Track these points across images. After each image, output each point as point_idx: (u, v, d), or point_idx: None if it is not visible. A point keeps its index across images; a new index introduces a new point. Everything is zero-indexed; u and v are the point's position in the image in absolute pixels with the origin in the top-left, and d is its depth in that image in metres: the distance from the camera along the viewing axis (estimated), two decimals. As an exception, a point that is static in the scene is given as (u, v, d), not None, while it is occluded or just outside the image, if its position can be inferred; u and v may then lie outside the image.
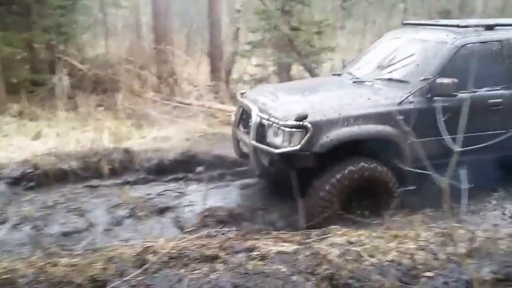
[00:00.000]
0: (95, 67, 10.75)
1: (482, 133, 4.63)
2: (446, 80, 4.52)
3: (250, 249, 3.05)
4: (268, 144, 4.49)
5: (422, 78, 4.67)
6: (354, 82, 5.27)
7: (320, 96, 5.10)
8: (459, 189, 2.74)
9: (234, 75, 11.85)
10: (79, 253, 2.97)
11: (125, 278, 2.58)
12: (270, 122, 4.50)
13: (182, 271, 2.74)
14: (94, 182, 5.66)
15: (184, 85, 11.09)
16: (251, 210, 4.87)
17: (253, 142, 4.59)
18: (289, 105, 4.67)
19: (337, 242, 3.24)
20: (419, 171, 4.36)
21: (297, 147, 4.26)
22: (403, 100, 4.58)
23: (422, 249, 3.06)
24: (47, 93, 9.54)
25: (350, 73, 5.56)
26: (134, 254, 2.87)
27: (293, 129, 4.32)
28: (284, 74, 10.98)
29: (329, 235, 3.43)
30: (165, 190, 5.45)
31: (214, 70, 11.53)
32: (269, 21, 10.51)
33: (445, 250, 2.96)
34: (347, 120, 4.43)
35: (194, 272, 2.74)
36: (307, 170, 4.38)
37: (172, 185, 5.65)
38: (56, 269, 2.68)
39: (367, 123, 4.48)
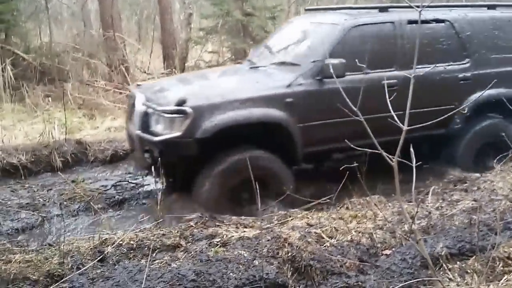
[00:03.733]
0: (40, 57, 10.30)
1: (379, 115, 4.57)
2: (333, 61, 4.28)
3: (212, 236, 3.03)
4: (151, 133, 4.21)
5: (312, 60, 4.56)
6: (250, 68, 5.17)
7: (210, 82, 5.04)
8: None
9: (190, 63, 11.68)
10: (34, 249, 2.85)
11: (82, 270, 2.50)
12: (152, 110, 4.26)
13: (143, 261, 2.69)
14: (46, 175, 5.45)
15: (137, 73, 10.84)
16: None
17: (138, 132, 4.28)
18: (173, 92, 4.49)
19: (297, 225, 3.28)
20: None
21: (178, 134, 4.03)
22: (291, 83, 4.43)
23: (380, 228, 3.14)
24: None
25: (249, 60, 5.52)
26: (92, 247, 2.79)
27: (173, 115, 4.09)
28: (241, 60, 10.91)
29: (289, 218, 3.47)
30: (120, 181, 5.33)
31: (167, 58, 11.31)
32: (222, 7, 10.41)
33: (402, 228, 3.05)
34: (232, 104, 4.20)
35: (154, 262, 2.70)
36: (198, 160, 4.16)
37: (128, 176, 5.53)
38: (9, 265, 2.56)
39: (254, 107, 4.27)
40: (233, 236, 3.04)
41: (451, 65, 5.08)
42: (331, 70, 4.13)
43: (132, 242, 2.84)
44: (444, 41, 5.13)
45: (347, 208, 3.69)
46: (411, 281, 2.63)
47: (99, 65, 10.48)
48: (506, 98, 4.80)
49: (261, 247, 2.87)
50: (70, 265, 2.60)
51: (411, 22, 4.94)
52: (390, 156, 2.63)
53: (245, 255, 2.78)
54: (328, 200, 3.72)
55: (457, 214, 3.34)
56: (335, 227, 3.16)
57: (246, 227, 3.29)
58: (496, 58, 5.29)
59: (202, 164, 4.17)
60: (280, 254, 2.81)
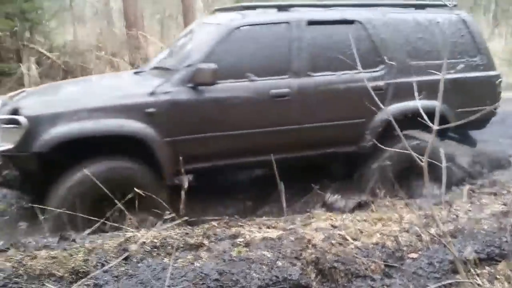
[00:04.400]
0: (63, 55, 10.45)
1: (265, 130, 4.10)
2: (203, 66, 3.86)
3: (235, 236, 3.01)
4: None
5: (186, 64, 4.02)
6: (135, 73, 4.79)
7: (74, 89, 4.57)
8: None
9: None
10: (59, 245, 2.87)
11: (107, 268, 2.50)
12: None
13: (166, 260, 2.68)
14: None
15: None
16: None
17: None
18: (27, 99, 4.07)
19: (321, 227, 3.24)
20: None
21: (10, 147, 3.56)
22: (155, 90, 3.86)
23: (406, 231, 3.08)
24: (15, 82, 9.22)
25: (146, 64, 5.27)
26: (116, 244, 2.80)
27: (6, 125, 3.61)
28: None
29: (312, 220, 3.43)
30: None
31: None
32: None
33: (429, 231, 2.98)
34: (77, 114, 3.64)
35: (178, 260, 2.69)
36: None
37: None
38: (35, 261, 2.59)
39: (105, 117, 3.70)
40: (256, 236, 3.02)
41: (360, 72, 4.22)
42: (202, 76, 3.79)
43: (155, 240, 2.84)
44: (354, 44, 4.49)
45: (372, 210, 3.63)
46: (439, 284, 2.58)
47: (122, 63, 10.62)
48: (427, 112, 4.62)
49: (284, 248, 2.84)
50: (94, 262, 2.60)
51: (312, 22, 4.34)
52: (420, 157, 2.56)
53: (268, 255, 2.75)
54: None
55: (486, 218, 3.26)
56: (359, 229, 3.11)
57: (269, 228, 3.26)
58: (418, 65, 4.59)
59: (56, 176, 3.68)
60: (303, 256, 2.78)
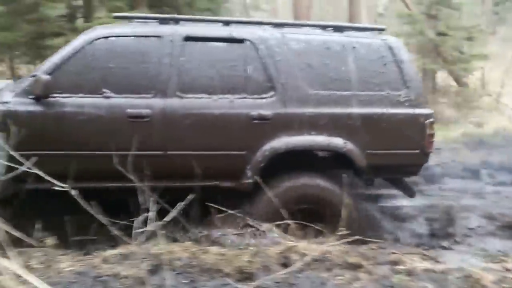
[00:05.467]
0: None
1: (120, 153, 3.34)
2: (39, 77, 3.53)
3: (395, 262, 2.93)
4: None
5: (33, 74, 3.71)
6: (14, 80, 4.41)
7: None
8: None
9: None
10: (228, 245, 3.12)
11: (272, 276, 2.64)
12: None
13: (325, 275, 2.72)
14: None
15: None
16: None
17: None
18: None
19: (491, 267, 2.98)
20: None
21: None
22: None
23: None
24: None
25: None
26: (278, 251, 2.93)
27: None
28: (428, 81, 10.44)
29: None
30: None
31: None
32: (414, 26, 10.09)
33: None
34: None
35: (336, 277, 2.71)
36: None
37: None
38: (206, 256, 2.85)
39: None
40: (418, 266, 2.90)
41: (244, 98, 3.84)
42: (35, 87, 3.46)
43: (316, 253, 2.91)
44: (239, 66, 3.88)
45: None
46: None
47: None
48: (324, 150, 3.89)
49: (449, 284, 2.68)
50: (258, 265, 2.77)
51: (190, 38, 3.87)
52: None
53: (432, 289, 2.63)
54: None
55: None
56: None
57: (431, 259, 3.11)
58: (320, 95, 3.92)
59: None
60: (471, 296, 2.59)
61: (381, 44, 4.14)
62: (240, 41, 3.93)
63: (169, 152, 3.73)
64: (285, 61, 3.93)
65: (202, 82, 3.83)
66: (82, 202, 2.66)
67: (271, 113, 3.83)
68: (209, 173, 3.69)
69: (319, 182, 3.90)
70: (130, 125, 3.68)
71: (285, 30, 4.12)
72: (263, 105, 3.84)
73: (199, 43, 3.89)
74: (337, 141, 3.88)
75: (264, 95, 3.88)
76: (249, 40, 3.93)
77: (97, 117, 3.64)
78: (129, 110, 3.70)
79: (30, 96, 3.63)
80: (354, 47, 4.06)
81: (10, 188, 3.46)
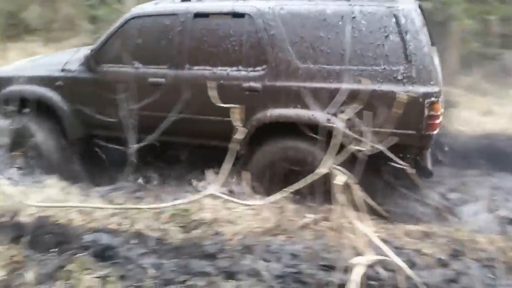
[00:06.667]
0: None
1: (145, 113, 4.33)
2: (86, 52, 4.64)
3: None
4: None
5: (90, 48, 4.72)
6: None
7: (41, 60, 5.67)
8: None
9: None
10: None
11: None
12: None
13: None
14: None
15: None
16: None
17: None
18: None
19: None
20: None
21: None
22: (64, 67, 4.79)
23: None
24: (498, 68, 9.05)
25: None
26: None
27: None
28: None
29: None
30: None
31: None
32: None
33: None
34: (18, 80, 4.92)
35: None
36: None
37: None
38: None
39: (31, 84, 4.85)
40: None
41: (239, 70, 4.13)
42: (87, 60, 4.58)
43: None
44: (239, 40, 4.11)
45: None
46: None
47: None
48: (305, 124, 3.82)
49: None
50: None
51: (199, 15, 4.24)
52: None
53: None
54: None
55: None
56: None
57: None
58: (309, 69, 3.93)
59: None
60: None
61: (385, 13, 3.84)
62: (242, 15, 4.15)
63: (180, 116, 4.25)
64: (278, 35, 4.03)
65: (206, 56, 4.25)
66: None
67: (261, 86, 4.07)
68: (213, 135, 4.30)
69: (299, 145, 4.06)
70: (151, 91, 4.39)
71: (285, 1, 4.15)
72: (255, 78, 4.09)
73: (207, 19, 4.28)
74: (321, 117, 3.86)
75: (257, 68, 4.10)
76: (248, 14, 4.12)
77: (129, 83, 4.40)
78: (150, 79, 4.47)
79: (87, 66, 4.69)
80: (354, 17, 3.89)
81: (79, 133, 4.88)
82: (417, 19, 3.82)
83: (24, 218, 3.42)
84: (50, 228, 3.30)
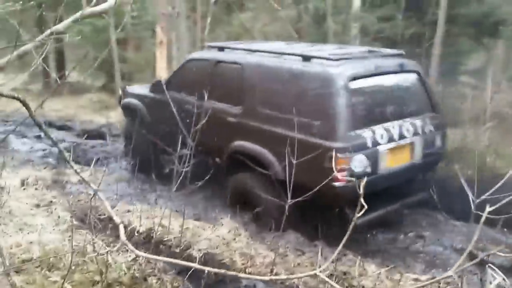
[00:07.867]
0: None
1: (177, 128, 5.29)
2: (160, 79, 6.36)
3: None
4: None
5: (156, 80, 6.55)
6: None
7: None
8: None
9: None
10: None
11: None
12: None
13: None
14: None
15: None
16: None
17: None
18: None
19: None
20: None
21: None
22: (149, 89, 6.50)
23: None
24: None
25: None
26: None
27: None
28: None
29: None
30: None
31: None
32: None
33: None
34: (130, 94, 7.02)
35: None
36: None
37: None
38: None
39: (135, 98, 6.80)
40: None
41: (230, 106, 5.19)
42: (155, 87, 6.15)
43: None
44: (233, 83, 5.23)
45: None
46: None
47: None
48: (250, 155, 4.81)
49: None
50: None
51: (219, 62, 5.52)
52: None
53: None
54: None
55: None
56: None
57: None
58: (264, 114, 4.84)
59: None
60: None
61: (324, 75, 4.39)
62: (238, 64, 5.21)
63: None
64: (251, 82, 5.00)
65: (219, 92, 5.34)
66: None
67: (235, 120, 5.10)
68: (211, 151, 5.51)
69: (249, 179, 4.96)
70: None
71: (264, 58, 5.08)
72: (235, 114, 5.11)
73: (222, 65, 5.48)
74: (261, 151, 4.75)
75: (237, 106, 5.10)
76: (240, 64, 5.19)
77: (186, 107, 5.56)
78: (186, 106, 5.57)
79: (155, 91, 6.26)
80: (303, 76, 4.53)
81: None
82: (345, 82, 4.34)
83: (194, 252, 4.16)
84: (213, 265, 3.77)
